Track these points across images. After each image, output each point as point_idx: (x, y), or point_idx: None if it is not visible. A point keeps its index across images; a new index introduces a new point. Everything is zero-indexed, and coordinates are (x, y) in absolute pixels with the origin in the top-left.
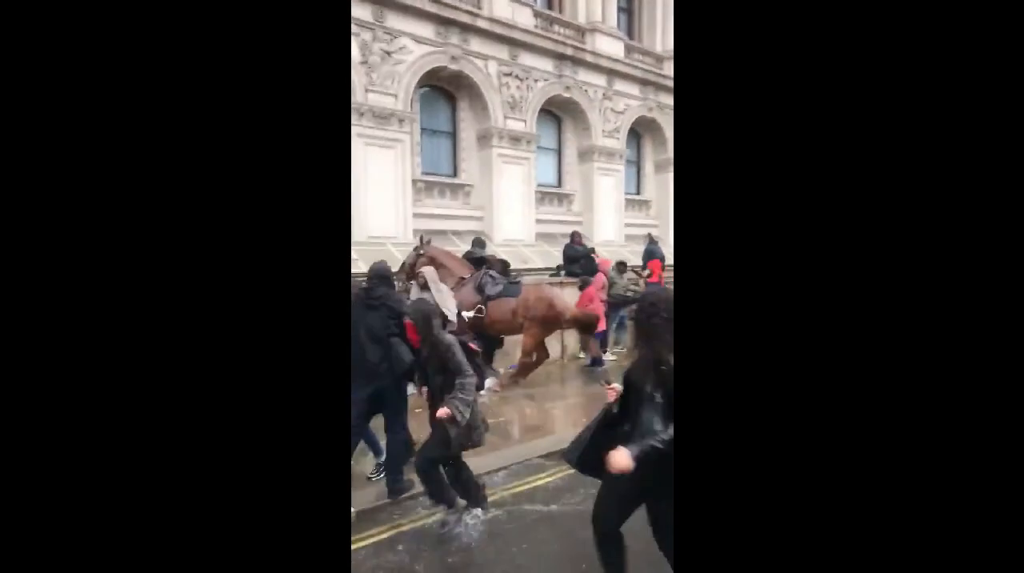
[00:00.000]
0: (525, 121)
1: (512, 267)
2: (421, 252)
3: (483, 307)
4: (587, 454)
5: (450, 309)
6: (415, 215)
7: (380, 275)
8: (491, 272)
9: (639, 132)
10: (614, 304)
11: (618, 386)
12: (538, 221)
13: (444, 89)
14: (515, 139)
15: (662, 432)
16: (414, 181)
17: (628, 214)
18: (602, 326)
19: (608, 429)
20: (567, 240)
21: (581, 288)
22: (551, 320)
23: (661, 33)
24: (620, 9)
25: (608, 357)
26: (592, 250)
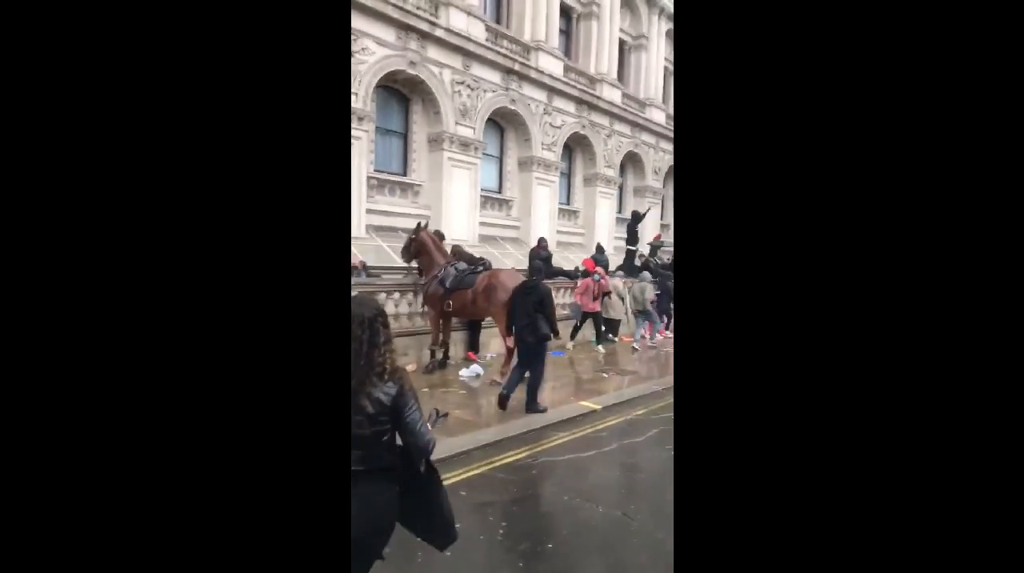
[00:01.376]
0: (474, 128)
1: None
2: (413, 237)
3: (449, 301)
4: None
5: None
6: (367, 211)
7: (537, 270)
8: (456, 265)
9: (571, 147)
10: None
11: None
12: (480, 223)
13: (397, 91)
14: (464, 144)
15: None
16: (368, 177)
17: (559, 222)
18: None
19: None
20: (506, 243)
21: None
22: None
23: (595, 56)
24: (560, 31)
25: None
26: (550, 255)
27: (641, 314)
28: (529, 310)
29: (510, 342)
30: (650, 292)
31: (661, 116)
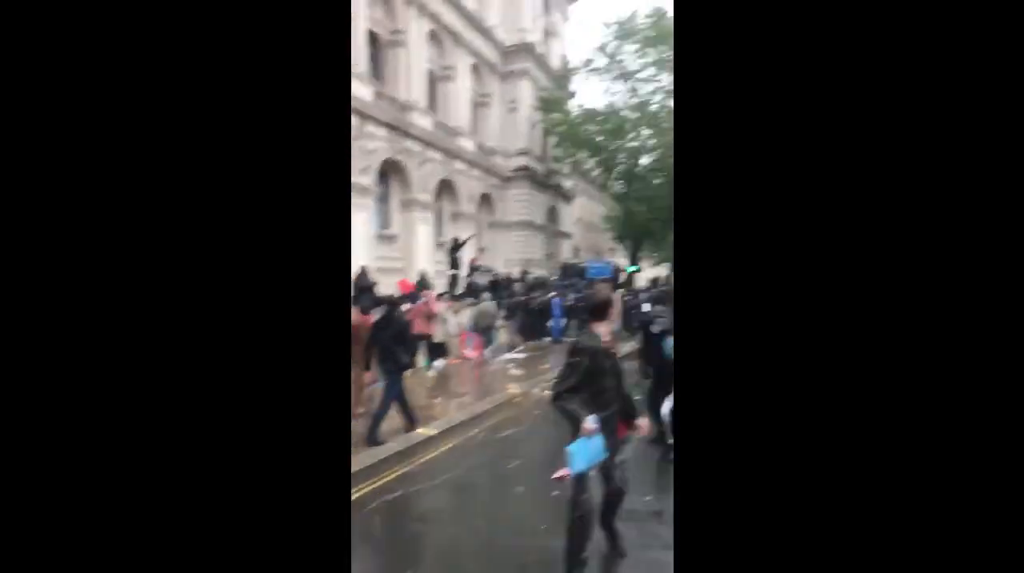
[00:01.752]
0: None
1: None
2: None
3: None
4: None
5: None
6: None
7: (391, 309)
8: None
9: (386, 172)
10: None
11: None
12: None
13: None
14: None
15: None
16: None
17: (378, 248)
18: None
19: None
20: None
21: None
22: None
23: (405, 82)
24: (369, 57)
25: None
26: (375, 284)
27: (484, 331)
28: (387, 343)
29: (368, 377)
30: (495, 312)
31: (471, 144)
